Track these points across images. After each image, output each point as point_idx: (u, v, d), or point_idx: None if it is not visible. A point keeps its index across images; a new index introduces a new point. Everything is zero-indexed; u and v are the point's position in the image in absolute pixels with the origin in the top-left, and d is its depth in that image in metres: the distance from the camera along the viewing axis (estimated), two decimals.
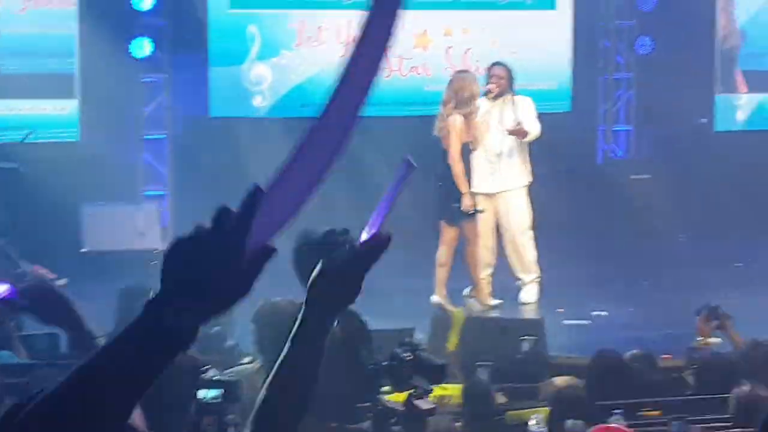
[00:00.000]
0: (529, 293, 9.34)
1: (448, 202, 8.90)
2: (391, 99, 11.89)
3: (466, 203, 8.79)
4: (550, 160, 10.83)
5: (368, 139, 11.70)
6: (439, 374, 4.16)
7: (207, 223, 1.46)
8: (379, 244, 1.88)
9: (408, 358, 4.07)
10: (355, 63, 1.60)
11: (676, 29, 12.37)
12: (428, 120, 11.32)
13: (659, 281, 10.21)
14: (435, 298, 8.84)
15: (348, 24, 11.74)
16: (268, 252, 1.48)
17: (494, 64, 9.40)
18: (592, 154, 12.74)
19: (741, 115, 12.63)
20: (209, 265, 1.43)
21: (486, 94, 9.07)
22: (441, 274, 8.96)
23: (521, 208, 9.24)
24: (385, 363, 4.09)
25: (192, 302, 1.43)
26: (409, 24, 11.85)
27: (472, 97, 8.93)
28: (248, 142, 11.62)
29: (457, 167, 8.79)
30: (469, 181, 8.81)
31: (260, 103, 11.77)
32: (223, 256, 1.44)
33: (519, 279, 9.38)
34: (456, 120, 8.83)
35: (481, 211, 8.93)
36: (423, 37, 11.92)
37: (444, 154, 8.90)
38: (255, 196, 1.46)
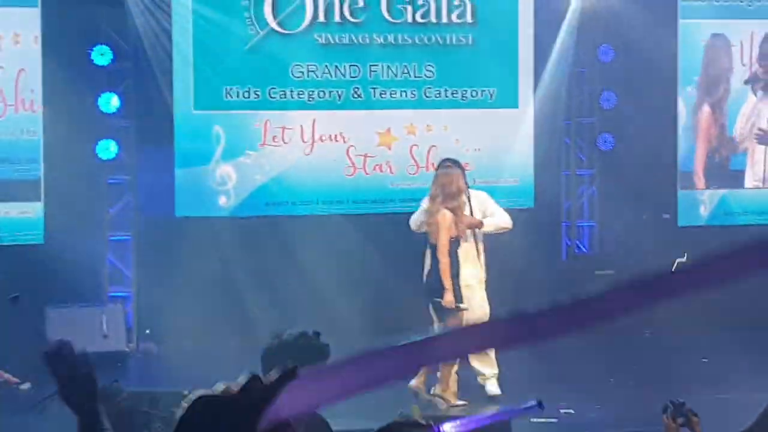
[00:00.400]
0: (494, 386, 9.28)
1: (432, 297, 8.94)
2: (355, 197, 11.97)
3: (447, 299, 8.82)
4: (514, 256, 10.89)
5: (332, 237, 11.76)
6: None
7: (235, 386, 1.52)
8: None
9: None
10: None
11: (637, 126, 12.54)
12: (392, 217, 11.41)
13: (625, 377, 10.20)
14: (413, 383, 8.77)
15: (312, 123, 11.85)
16: (284, 428, 1.51)
17: (446, 161, 9.41)
18: (556, 250, 12.80)
19: (704, 210, 12.76)
20: (225, 427, 1.49)
21: None
22: None
23: (482, 303, 9.21)
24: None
25: None
26: (373, 122, 12.04)
27: (459, 192, 8.99)
28: (213, 242, 11.64)
29: (445, 261, 8.83)
30: (456, 276, 8.88)
31: (225, 202, 11.79)
32: (240, 421, 1.49)
33: (481, 374, 9.30)
34: (446, 215, 8.89)
35: (465, 309, 8.93)
36: (387, 135, 12.03)
37: (432, 248, 8.94)
38: (289, 376, 1.50)
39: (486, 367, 9.27)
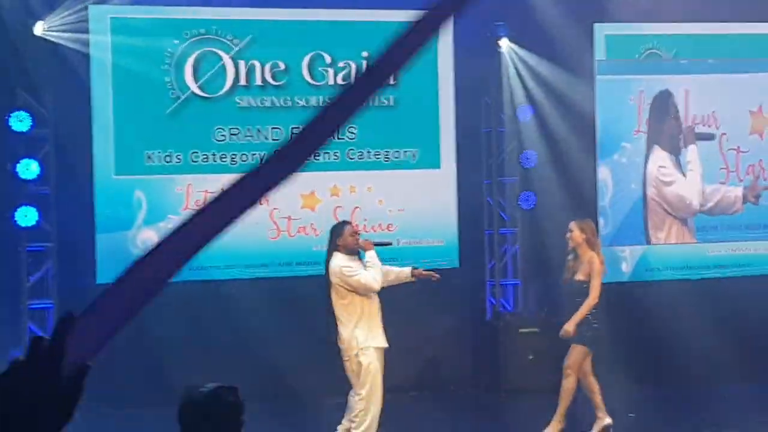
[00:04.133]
0: None
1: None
2: (279, 259, 11.92)
3: None
4: (439, 316, 10.89)
5: (257, 300, 11.67)
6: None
7: (20, 356, 1.48)
8: None
9: None
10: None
11: (558, 183, 12.68)
12: (315, 280, 11.36)
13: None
14: None
15: None
16: (83, 370, 1.50)
17: (347, 222, 9.39)
18: (481, 308, 12.84)
19: (625, 267, 12.89)
20: (28, 397, 1.46)
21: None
22: None
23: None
24: None
25: None
26: (296, 185, 12.00)
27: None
28: None
29: None
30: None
31: None
32: (39, 385, 1.46)
33: None
34: None
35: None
36: (310, 197, 12.03)
37: None
38: (66, 323, 1.48)
39: None
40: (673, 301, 12.43)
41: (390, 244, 9.50)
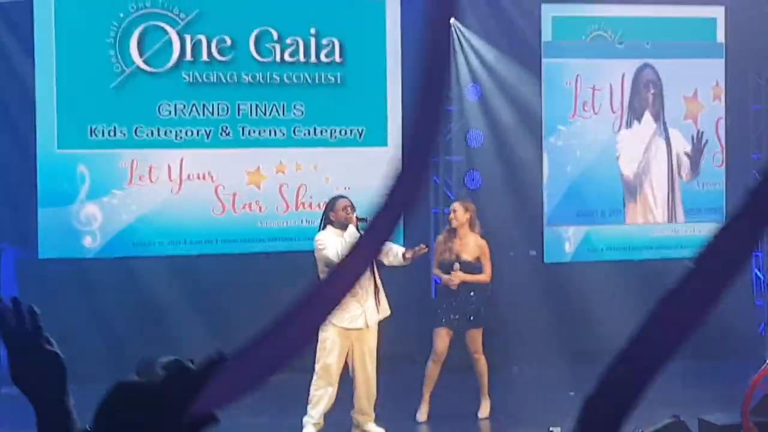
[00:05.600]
0: (378, 429, 9.18)
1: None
2: (223, 236, 11.87)
3: None
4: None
5: (199, 277, 11.62)
6: None
7: (159, 374, 1.46)
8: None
9: None
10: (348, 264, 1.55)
11: (504, 163, 12.73)
12: (260, 256, 11.35)
13: (496, 412, 10.28)
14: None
15: (180, 162, 11.73)
16: (209, 419, 1.46)
17: (342, 197, 9.33)
18: (427, 288, 12.87)
19: (569, 247, 12.99)
20: (151, 416, 1.43)
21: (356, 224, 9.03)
22: None
23: (374, 344, 9.15)
24: None
25: None
26: (241, 161, 11.98)
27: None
28: (78, 284, 11.40)
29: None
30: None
31: (91, 243, 11.57)
32: (165, 413, 1.43)
33: (366, 414, 9.16)
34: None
35: None
36: (256, 174, 11.98)
37: None
38: (217, 363, 1.45)
39: (371, 407, 9.16)
40: (615, 281, 12.54)
41: (365, 219, 9.36)
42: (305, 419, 9.03)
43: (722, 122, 13.36)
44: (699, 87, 13.24)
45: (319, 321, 1.57)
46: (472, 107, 12.85)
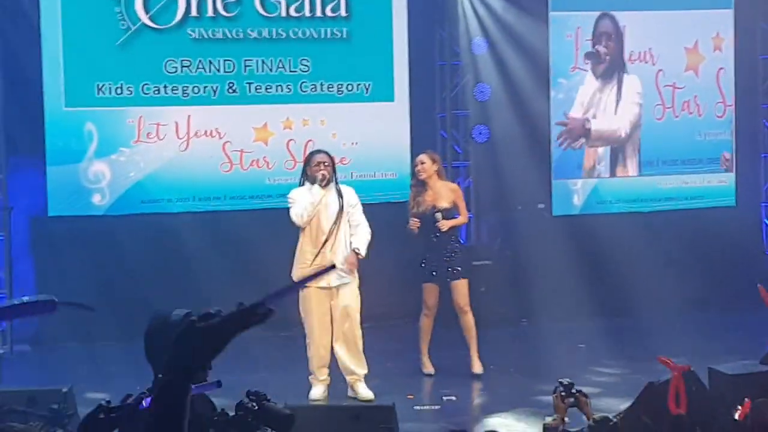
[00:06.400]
0: (365, 389, 9.08)
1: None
2: (232, 193, 11.88)
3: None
4: (391, 249, 10.91)
5: (209, 233, 11.64)
6: (285, 424, 4.09)
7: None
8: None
9: (254, 408, 4.02)
10: None
11: (512, 117, 12.69)
12: (269, 213, 11.34)
13: (505, 365, 10.33)
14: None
15: (187, 119, 11.72)
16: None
17: (319, 152, 9.28)
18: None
19: (577, 200, 12.98)
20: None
21: (320, 181, 8.97)
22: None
23: (356, 300, 9.11)
24: (232, 414, 4.02)
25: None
26: (248, 118, 11.97)
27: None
28: (88, 241, 11.43)
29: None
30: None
31: (99, 201, 11.59)
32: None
33: (353, 374, 9.09)
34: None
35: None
36: (263, 130, 11.97)
37: None
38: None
39: (359, 367, 9.12)
40: (624, 233, 12.54)
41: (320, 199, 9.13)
42: (310, 377, 9.08)
43: (722, 72, 13.28)
44: (699, 38, 13.17)
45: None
46: (480, 61, 12.79)
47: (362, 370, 9.09)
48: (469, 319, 9.81)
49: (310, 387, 9.02)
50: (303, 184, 9.06)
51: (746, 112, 13.39)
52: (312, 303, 8.89)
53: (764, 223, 13.55)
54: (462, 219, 9.98)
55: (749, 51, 13.38)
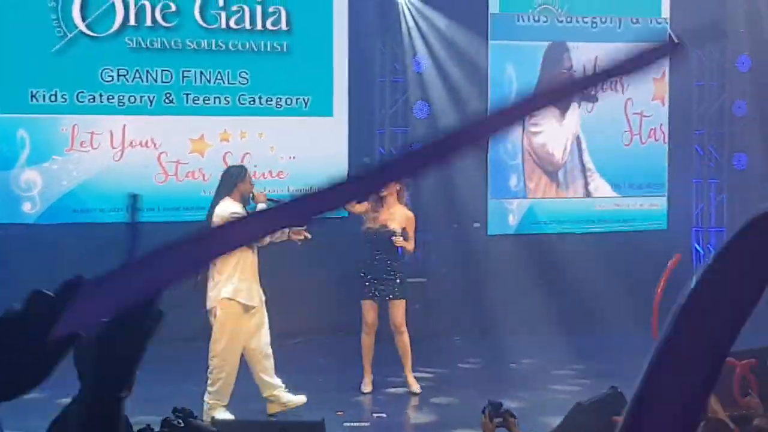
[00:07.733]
0: (291, 396, 9.04)
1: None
2: (167, 204, 11.76)
3: None
4: (321, 266, 10.90)
5: (143, 244, 11.50)
6: None
7: (17, 306, 1.44)
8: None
9: (180, 425, 3.97)
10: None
11: None
12: (203, 225, 11.22)
13: (439, 382, 10.32)
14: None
15: (123, 129, 11.59)
16: (71, 340, 1.45)
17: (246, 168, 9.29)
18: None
19: (512, 220, 13.03)
20: (11, 347, 1.42)
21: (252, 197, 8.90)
22: None
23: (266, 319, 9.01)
24: (158, 430, 3.97)
25: None
26: (185, 129, 11.85)
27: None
28: (18, 250, 11.25)
29: None
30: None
31: (30, 209, 11.42)
32: (27, 338, 1.42)
33: (273, 388, 8.96)
34: None
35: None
36: (200, 141, 11.87)
37: None
38: (73, 285, 1.45)
39: (274, 378, 8.95)
40: (557, 254, 12.61)
41: (274, 200, 9.04)
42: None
43: (666, 98, 13.49)
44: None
45: (194, 266, 1.57)
46: (420, 78, 12.81)
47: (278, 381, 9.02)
48: (404, 339, 9.79)
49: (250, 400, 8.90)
50: (223, 198, 8.84)
51: (679, 137, 13.55)
52: (238, 320, 8.75)
53: (694, 247, 13.69)
54: (410, 245, 9.90)
55: (684, 78, 13.55)
